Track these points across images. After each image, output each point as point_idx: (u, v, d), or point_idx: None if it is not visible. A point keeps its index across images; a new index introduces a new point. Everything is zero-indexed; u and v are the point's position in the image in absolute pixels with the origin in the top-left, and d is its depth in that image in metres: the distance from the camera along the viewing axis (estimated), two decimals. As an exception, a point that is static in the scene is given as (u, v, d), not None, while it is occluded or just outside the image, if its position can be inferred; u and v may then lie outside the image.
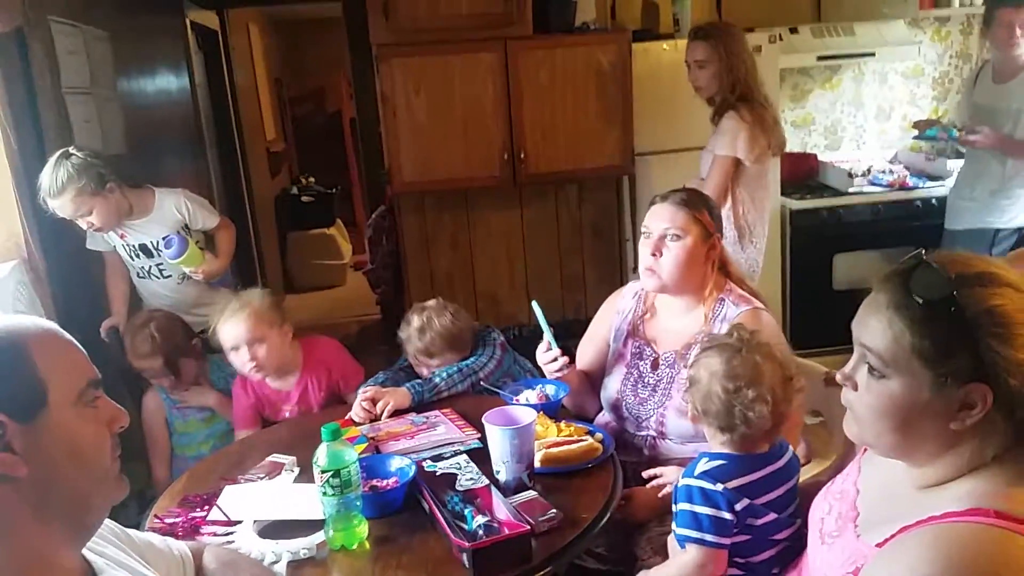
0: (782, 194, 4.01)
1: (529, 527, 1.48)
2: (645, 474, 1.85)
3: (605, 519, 1.61)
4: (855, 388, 1.10)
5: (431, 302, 2.40)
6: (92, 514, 1.04)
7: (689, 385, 1.56)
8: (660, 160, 3.77)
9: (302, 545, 1.54)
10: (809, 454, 2.11)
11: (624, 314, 2.14)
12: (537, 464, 1.74)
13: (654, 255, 1.95)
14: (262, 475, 1.87)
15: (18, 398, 0.95)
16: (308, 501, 1.66)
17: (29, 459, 0.95)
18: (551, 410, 1.99)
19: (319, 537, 1.55)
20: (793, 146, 4.53)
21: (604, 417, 2.12)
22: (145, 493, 2.40)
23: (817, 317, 3.88)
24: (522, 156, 3.68)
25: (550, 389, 2.08)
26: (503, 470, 1.69)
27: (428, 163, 3.68)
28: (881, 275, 1.08)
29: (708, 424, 1.52)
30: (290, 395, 2.44)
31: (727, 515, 1.41)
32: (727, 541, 1.43)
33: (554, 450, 1.77)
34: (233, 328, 2.30)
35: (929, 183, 4.09)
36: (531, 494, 1.63)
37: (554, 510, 1.56)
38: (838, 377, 1.13)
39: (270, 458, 1.94)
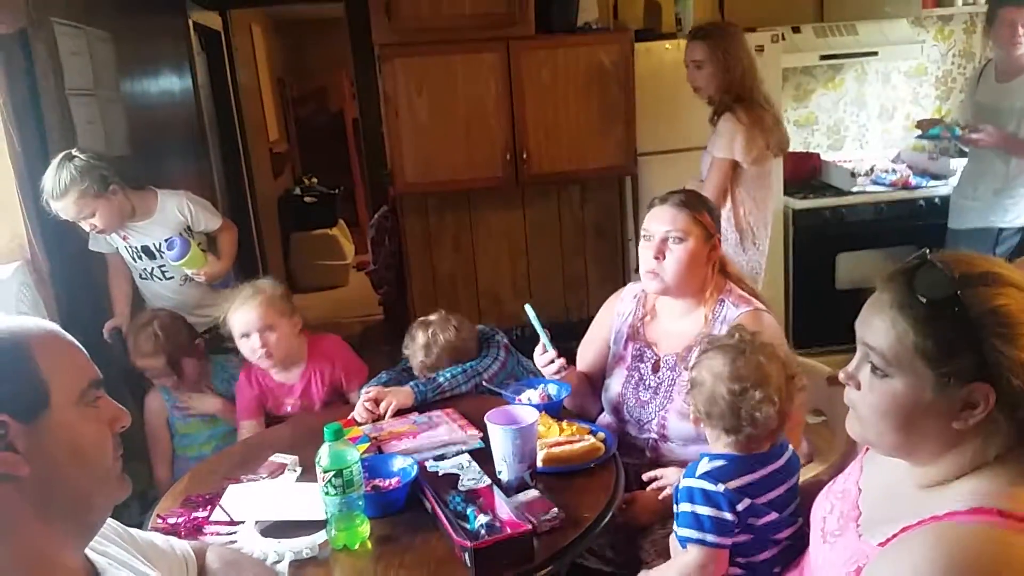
0: (785, 194, 4.01)
1: (531, 527, 1.48)
2: (645, 476, 1.85)
3: (607, 519, 1.61)
4: (858, 387, 1.11)
5: (434, 316, 2.38)
6: (94, 513, 1.04)
7: (691, 388, 1.55)
8: (662, 160, 3.77)
9: (304, 545, 1.54)
10: (811, 453, 2.11)
11: (624, 316, 2.13)
12: (539, 464, 1.74)
13: (656, 258, 1.94)
14: (264, 475, 1.87)
15: (20, 398, 0.96)
16: (310, 501, 1.66)
17: (31, 459, 0.95)
18: (553, 410, 1.99)
19: (321, 537, 1.56)
20: (796, 146, 4.52)
21: (605, 419, 2.12)
22: (147, 493, 2.41)
23: (820, 317, 3.88)
24: (524, 156, 3.68)
25: (552, 389, 2.07)
26: (505, 470, 1.69)
27: (430, 163, 3.68)
28: (885, 274, 1.08)
29: (711, 426, 1.51)
30: (293, 388, 2.45)
31: (728, 515, 1.41)
32: (728, 541, 1.43)
33: (556, 450, 1.77)
34: (245, 315, 2.33)
35: (932, 182, 4.09)
36: (533, 494, 1.63)
37: (556, 509, 1.56)
38: (841, 376, 1.14)
39: (272, 458, 1.94)
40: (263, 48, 6.84)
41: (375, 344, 4.77)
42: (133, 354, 2.51)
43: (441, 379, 2.21)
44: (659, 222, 1.96)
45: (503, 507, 1.55)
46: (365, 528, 1.56)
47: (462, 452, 1.87)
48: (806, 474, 1.85)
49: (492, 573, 1.42)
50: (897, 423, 1.06)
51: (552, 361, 2.05)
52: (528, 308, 2.09)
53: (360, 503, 1.56)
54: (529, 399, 2.03)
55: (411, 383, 2.20)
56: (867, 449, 1.24)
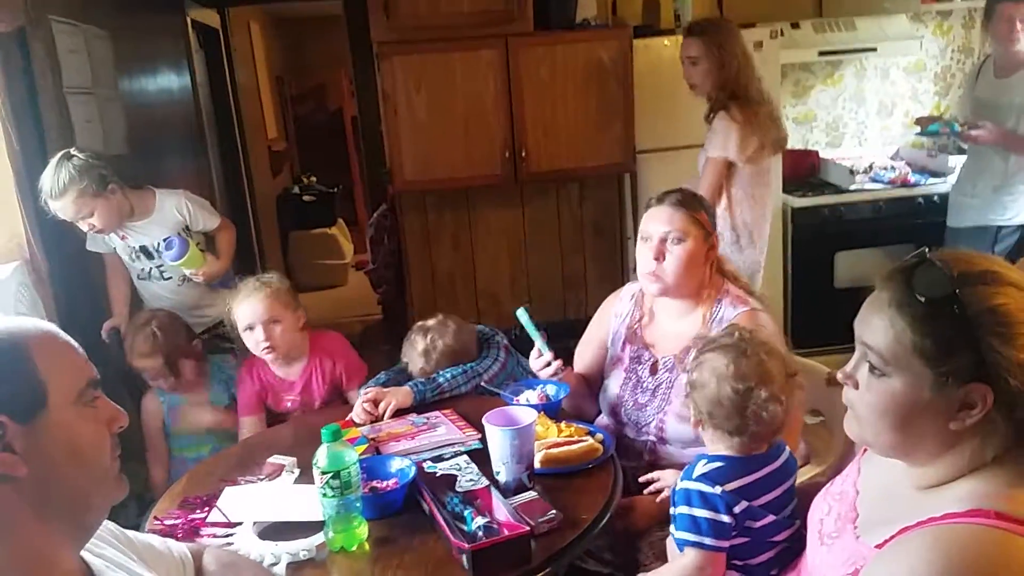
0: (783, 191, 4.00)
1: (529, 528, 1.48)
2: (642, 478, 1.84)
3: (605, 520, 1.61)
4: (856, 386, 1.10)
5: (432, 321, 2.37)
6: (92, 514, 1.04)
7: (691, 390, 1.53)
8: (662, 157, 3.76)
9: (302, 547, 1.54)
10: (808, 455, 2.11)
11: (621, 317, 2.13)
12: (537, 465, 1.74)
13: (656, 259, 1.93)
14: (262, 476, 1.87)
15: (18, 398, 0.96)
16: (308, 502, 1.66)
17: (29, 459, 0.95)
18: (551, 411, 1.99)
19: (319, 538, 1.55)
20: (794, 143, 4.51)
21: (603, 420, 2.12)
22: (145, 495, 2.40)
23: (818, 315, 3.87)
24: (523, 154, 3.68)
25: (551, 389, 2.07)
26: (503, 471, 1.69)
27: (429, 161, 3.68)
28: (884, 273, 1.08)
29: (714, 428, 1.49)
30: (294, 385, 2.46)
31: (726, 518, 1.41)
32: (726, 544, 1.42)
33: (554, 451, 1.77)
34: (250, 307, 2.34)
35: (931, 180, 4.07)
36: (531, 495, 1.63)
37: (554, 511, 1.56)
38: (839, 375, 1.13)
39: (270, 459, 1.94)
40: (261, 46, 6.83)
41: (374, 343, 4.76)
42: (130, 354, 2.51)
43: (441, 379, 2.21)
44: (657, 223, 1.95)
45: (501, 508, 1.55)
46: (363, 530, 1.56)
47: (460, 453, 1.87)
48: (804, 475, 1.85)
49: (490, 575, 1.42)
50: (895, 423, 1.06)
51: (548, 364, 2.05)
52: (521, 313, 2.08)
53: (358, 504, 1.56)
54: (527, 400, 2.03)
55: (410, 383, 2.20)
56: (865, 450, 1.24)
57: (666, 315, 2.05)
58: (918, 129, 3.75)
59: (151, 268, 2.80)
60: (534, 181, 3.86)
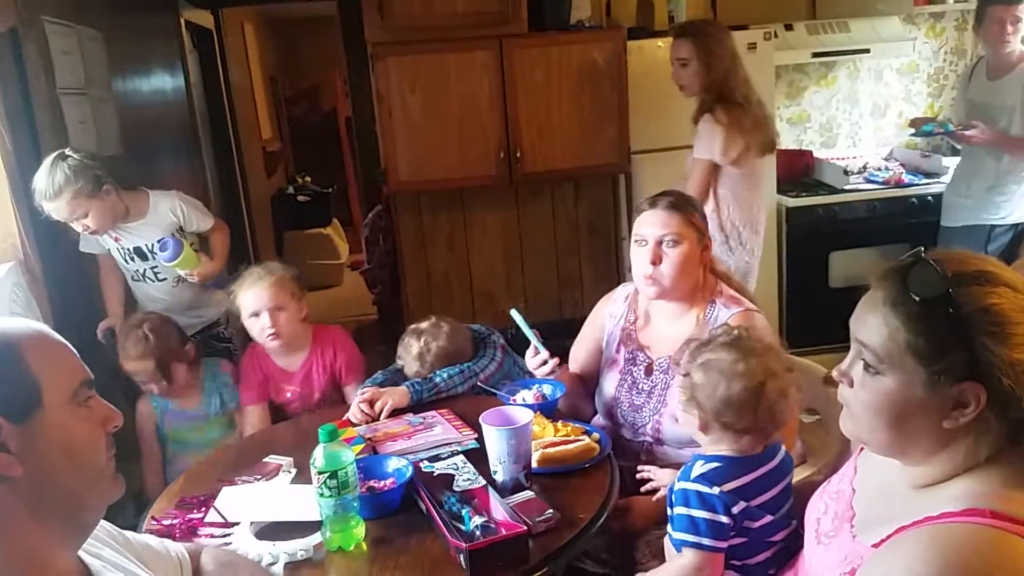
0: (778, 192, 4.02)
1: (526, 527, 1.48)
2: (638, 476, 1.84)
3: (602, 519, 1.61)
4: (851, 384, 1.11)
5: (425, 323, 2.37)
6: (88, 513, 1.05)
7: (694, 392, 1.49)
8: (656, 158, 3.77)
9: (299, 547, 1.54)
10: (805, 454, 2.11)
11: (616, 319, 2.13)
12: (534, 464, 1.74)
13: (653, 263, 1.92)
14: (259, 476, 1.87)
15: (12, 398, 0.96)
16: (305, 502, 1.66)
17: (24, 459, 0.95)
18: (548, 410, 1.99)
19: (316, 538, 1.55)
20: (788, 143, 4.54)
21: (599, 421, 2.12)
22: (141, 495, 2.40)
23: (813, 315, 3.88)
24: (518, 155, 3.68)
25: (547, 389, 2.07)
26: (500, 470, 1.69)
27: (424, 162, 3.68)
28: (879, 272, 1.08)
29: (723, 428, 1.47)
30: (294, 375, 2.48)
31: (724, 518, 1.41)
32: (724, 544, 1.42)
33: (551, 450, 1.77)
34: (257, 294, 2.37)
35: (925, 180, 4.09)
36: (528, 494, 1.63)
37: (551, 510, 1.56)
38: (834, 373, 1.14)
39: (267, 459, 1.94)
40: (255, 46, 6.82)
41: (370, 344, 4.75)
42: (121, 357, 2.47)
43: (437, 379, 2.21)
44: (652, 226, 1.95)
45: (498, 508, 1.55)
46: (360, 529, 1.56)
47: (457, 453, 1.87)
48: (800, 474, 1.85)
49: (487, 574, 1.42)
50: (889, 421, 1.06)
51: (545, 362, 2.05)
52: (514, 313, 2.08)
53: (355, 504, 1.56)
54: (524, 399, 2.03)
55: (407, 383, 2.20)
56: (861, 449, 1.24)
57: (661, 317, 2.06)
58: (912, 130, 3.78)
59: (145, 269, 2.79)
60: (529, 182, 3.86)
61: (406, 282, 4.02)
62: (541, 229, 4.08)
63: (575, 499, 1.65)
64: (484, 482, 1.67)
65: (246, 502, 1.73)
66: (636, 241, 1.98)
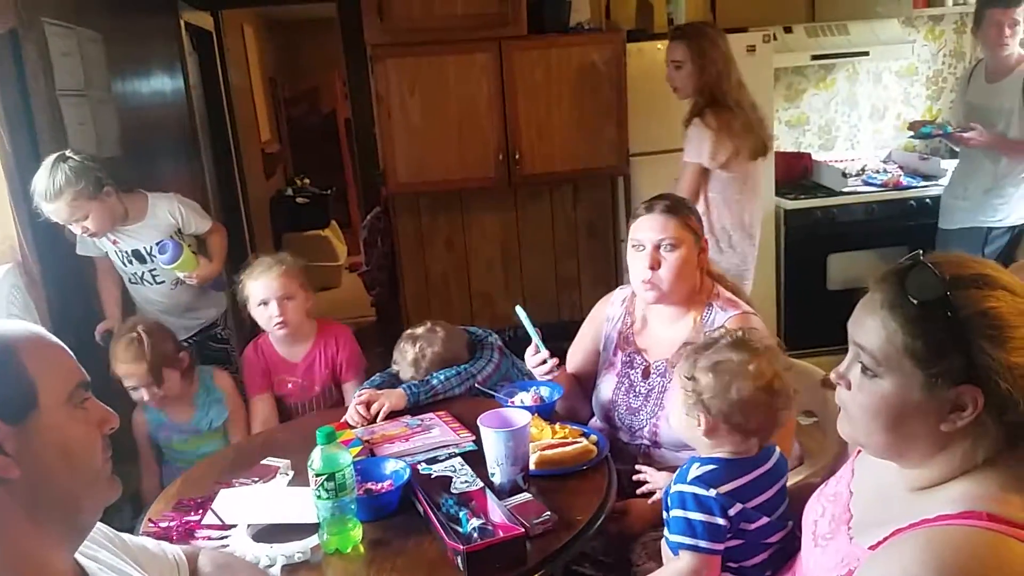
0: (776, 194, 4.02)
1: (524, 530, 1.48)
2: (635, 478, 1.84)
3: (600, 521, 1.61)
4: (848, 387, 1.11)
5: (421, 329, 2.37)
6: (84, 515, 1.04)
7: (701, 394, 1.46)
8: (655, 160, 3.77)
9: (296, 549, 1.54)
10: (802, 456, 2.11)
11: (613, 321, 2.13)
12: (532, 466, 1.74)
13: (652, 268, 1.92)
14: (256, 479, 1.87)
15: (8, 400, 0.96)
16: (302, 505, 1.65)
17: (21, 460, 0.95)
18: (545, 412, 1.99)
19: (313, 541, 1.56)
20: (787, 146, 4.54)
21: (596, 424, 2.12)
22: (138, 497, 2.39)
23: (811, 317, 3.89)
24: (517, 157, 3.68)
25: (544, 391, 2.07)
26: (498, 472, 1.69)
27: (423, 164, 3.68)
28: (877, 275, 1.08)
29: (731, 430, 1.45)
30: (296, 367, 2.51)
31: (721, 521, 1.40)
32: (721, 547, 1.41)
33: (549, 452, 1.77)
34: (266, 283, 2.41)
35: (923, 183, 4.10)
36: (526, 496, 1.63)
37: (549, 512, 1.56)
38: (832, 375, 1.14)
39: (264, 461, 1.94)
40: (255, 48, 6.82)
41: (368, 345, 4.70)
42: (114, 362, 2.36)
43: (435, 381, 2.21)
44: (650, 231, 1.94)
45: (496, 510, 1.55)
46: (357, 532, 1.56)
47: (455, 455, 1.87)
48: (797, 476, 1.85)
49: (485, 576, 1.42)
50: (886, 423, 1.06)
51: (544, 361, 2.05)
52: (519, 310, 2.08)
53: (352, 507, 1.56)
54: (521, 401, 2.03)
55: (404, 385, 2.20)
56: (859, 452, 1.24)
57: (658, 320, 2.06)
58: (911, 132, 3.78)
59: (143, 272, 2.78)
60: (528, 183, 3.86)
61: (404, 284, 4.02)
62: (540, 231, 4.08)
63: (573, 501, 1.65)
64: (482, 484, 1.68)
65: (243, 504, 1.73)
66: (633, 246, 1.98)
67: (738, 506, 1.42)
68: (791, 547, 1.40)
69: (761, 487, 1.46)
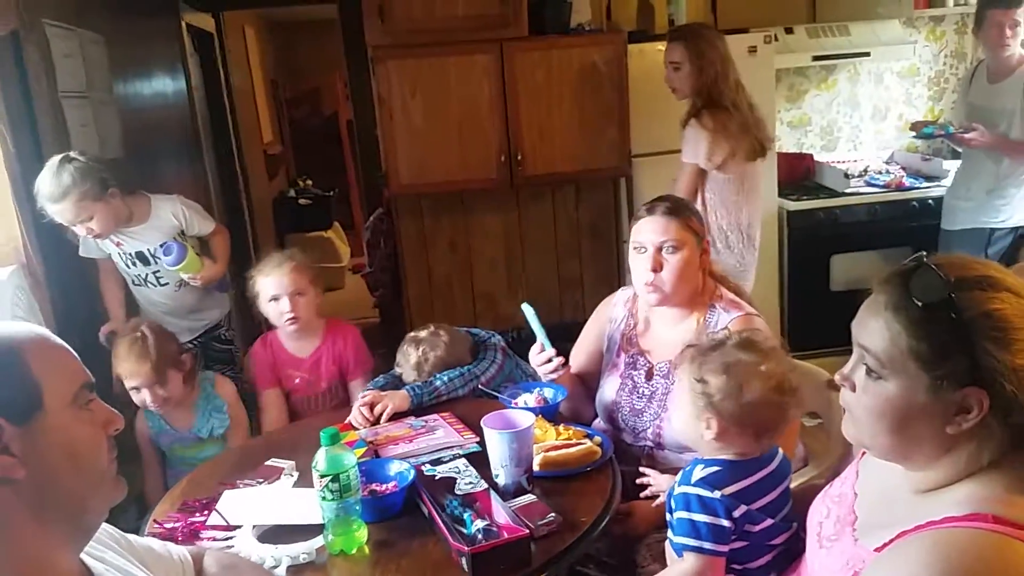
0: (779, 195, 4.02)
1: (528, 531, 1.49)
2: (638, 481, 1.84)
3: (604, 523, 1.61)
4: (853, 389, 1.11)
5: (424, 332, 2.37)
6: (90, 515, 1.05)
7: (712, 396, 1.44)
8: (656, 161, 3.77)
9: (301, 550, 1.54)
10: (806, 457, 2.11)
11: (616, 323, 2.13)
12: (536, 468, 1.74)
13: (654, 270, 1.92)
14: (261, 480, 1.87)
15: (14, 401, 0.96)
16: (307, 506, 1.66)
17: (27, 461, 0.96)
18: (549, 413, 1.99)
19: (318, 542, 1.56)
20: (789, 147, 4.54)
21: (600, 425, 2.12)
22: (143, 498, 2.39)
23: (814, 318, 3.88)
24: (519, 158, 3.68)
25: (548, 392, 2.07)
26: (502, 474, 1.69)
27: (425, 165, 3.68)
28: (881, 277, 1.08)
29: (740, 431, 1.44)
30: (303, 362, 2.56)
31: (725, 522, 1.40)
32: (725, 548, 1.41)
33: (553, 454, 1.77)
34: (277, 279, 2.46)
35: (926, 183, 4.10)
36: (530, 498, 1.63)
37: (553, 514, 1.56)
38: (836, 378, 1.14)
39: (269, 463, 1.94)
40: (256, 50, 6.82)
41: (371, 347, 4.69)
42: (116, 362, 2.33)
43: (438, 383, 2.21)
44: (651, 233, 1.94)
45: (500, 511, 1.56)
46: (362, 533, 1.56)
47: (459, 456, 1.87)
48: (801, 478, 1.85)
49: (489, 577, 1.42)
50: (891, 425, 1.06)
51: (549, 360, 2.04)
52: (526, 307, 2.08)
53: (357, 508, 1.56)
54: (525, 403, 2.03)
55: (407, 387, 2.21)
56: (863, 453, 1.24)
57: (661, 322, 2.05)
58: (912, 133, 3.78)
59: (147, 274, 2.79)
60: (530, 185, 3.86)
61: (407, 285, 4.02)
62: (542, 232, 4.08)
63: (577, 502, 1.65)
64: (486, 485, 1.68)
65: (248, 505, 1.73)
66: (635, 248, 1.97)
67: (742, 508, 1.41)
68: (795, 549, 1.40)
69: (765, 489, 1.46)
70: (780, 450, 1.54)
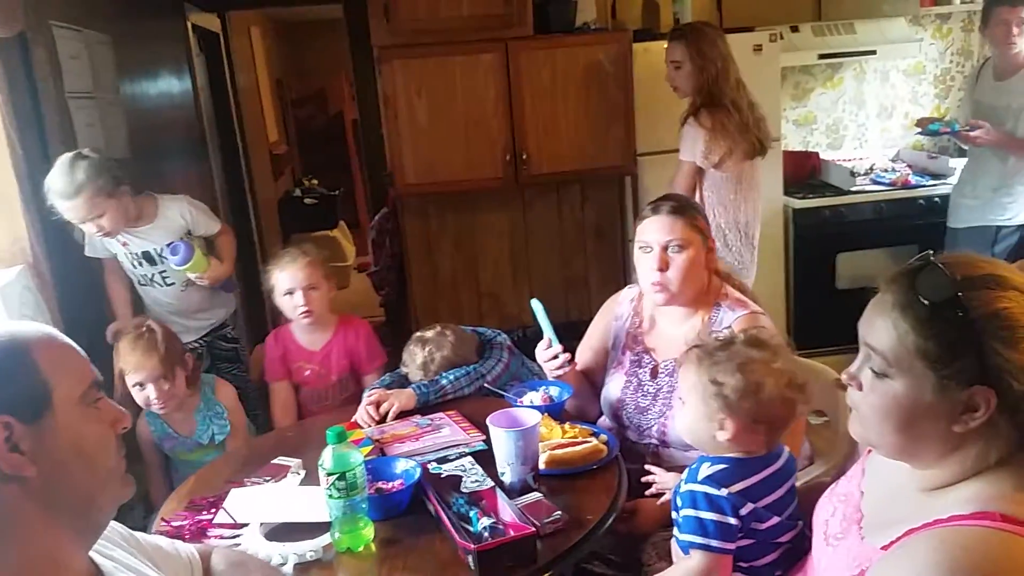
0: (784, 193, 4.02)
1: (534, 529, 1.49)
2: (644, 479, 1.84)
3: (610, 521, 1.61)
4: (859, 388, 1.11)
5: (430, 332, 2.37)
6: (99, 513, 1.05)
7: (729, 396, 1.42)
8: (662, 160, 3.76)
9: (308, 548, 1.54)
10: (813, 455, 2.11)
11: (622, 320, 2.13)
12: (542, 466, 1.74)
13: (661, 269, 1.91)
14: (268, 478, 1.87)
15: (23, 399, 0.97)
16: (314, 504, 1.66)
17: (36, 459, 0.96)
18: (555, 412, 1.99)
19: (325, 539, 1.56)
20: (795, 145, 4.54)
21: (605, 423, 2.12)
22: (150, 497, 2.39)
23: (820, 316, 3.88)
24: (524, 157, 3.68)
25: (554, 391, 2.07)
26: (508, 472, 1.70)
27: (430, 165, 3.68)
28: (888, 276, 1.08)
29: (753, 429, 1.43)
30: (315, 354, 2.60)
31: (732, 520, 1.40)
32: (732, 546, 1.41)
33: (559, 452, 1.77)
34: (292, 273, 2.50)
35: (932, 181, 4.09)
36: (536, 496, 1.63)
37: (559, 512, 1.56)
38: (843, 377, 1.14)
39: (276, 461, 1.94)
40: (262, 50, 6.83)
41: (376, 345, 4.76)
42: (120, 359, 2.30)
43: (444, 381, 2.22)
44: (657, 232, 1.94)
45: (506, 509, 1.56)
46: (369, 531, 1.57)
47: (465, 454, 1.88)
48: (807, 476, 1.85)
49: (496, 575, 1.42)
50: (898, 425, 1.06)
51: (556, 356, 2.04)
52: (535, 303, 2.08)
53: (363, 506, 1.57)
54: (531, 401, 2.03)
55: (413, 385, 2.21)
56: (869, 451, 1.24)
57: (666, 320, 2.05)
58: (918, 130, 3.77)
59: (153, 274, 2.79)
60: (535, 184, 3.87)
61: (413, 284, 4.03)
62: (547, 231, 4.08)
63: (583, 500, 1.66)
64: (492, 483, 1.68)
65: (255, 503, 1.74)
66: (641, 248, 1.97)
67: (749, 505, 1.41)
68: (801, 547, 1.39)
69: (771, 486, 1.45)
70: (786, 448, 1.54)
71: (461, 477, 1.74)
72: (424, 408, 2.16)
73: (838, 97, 4.58)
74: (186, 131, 4.34)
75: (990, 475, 1.02)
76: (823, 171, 4.34)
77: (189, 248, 2.67)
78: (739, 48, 3.20)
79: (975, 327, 0.99)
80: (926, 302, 1.01)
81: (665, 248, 1.92)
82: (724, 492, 1.41)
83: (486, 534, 1.48)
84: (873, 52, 4.21)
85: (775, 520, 1.44)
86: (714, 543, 1.40)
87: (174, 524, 1.69)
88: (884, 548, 1.06)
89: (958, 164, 3.87)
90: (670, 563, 1.53)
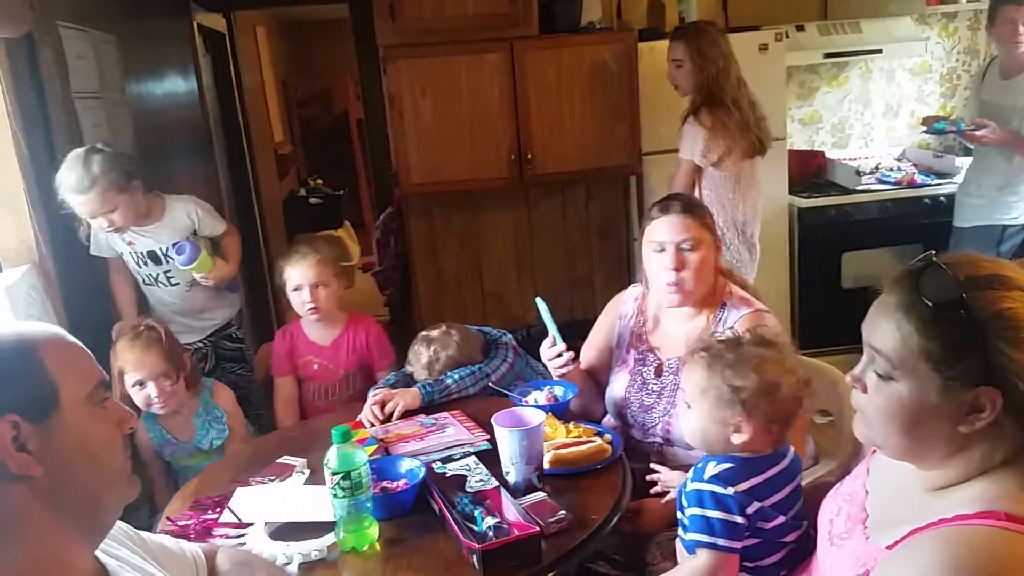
0: (790, 192, 4.01)
1: (539, 528, 1.49)
2: (648, 478, 1.84)
3: (615, 520, 1.61)
4: (864, 390, 1.10)
5: (436, 332, 2.38)
6: (105, 513, 1.06)
7: (750, 397, 1.42)
8: (667, 159, 3.74)
9: (313, 547, 1.54)
10: (817, 454, 2.11)
11: (626, 319, 2.13)
12: (546, 465, 1.74)
13: (677, 269, 1.90)
14: (273, 477, 1.88)
15: (31, 399, 0.97)
16: (319, 503, 1.67)
17: (44, 458, 0.97)
18: (559, 411, 2.00)
19: (330, 539, 1.56)
20: (800, 144, 4.53)
21: (610, 421, 2.12)
22: (154, 497, 2.39)
23: (826, 316, 3.87)
24: (529, 156, 3.68)
25: (558, 390, 2.08)
26: (512, 471, 1.70)
27: (436, 164, 3.68)
28: (891, 277, 1.08)
29: (765, 428, 1.43)
30: (323, 349, 2.61)
31: (739, 519, 1.39)
32: (739, 545, 1.40)
33: (563, 451, 1.77)
34: (302, 270, 2.52)
35: (937, 180, 4.07)
36: (540, 495, 1.64)
37: (563, 511, 1.56)
38: (848, 379, 1.14)
39: (281, 460, 1.95)
40: (267, 50, 6.84)
41: (381, 345, 4.76)
42: (119, 358, 2.26)
43: (449, 381, 2.22)
44: (670, 231, 1.93)
45: (511, 509, 1.56)
46: (373, 530, 1.57)
47: (469, 454, 1.88)
48: (812, 475, 1.85)
49: (500, 575, 1.43)
50: (903, 426, 1.06)
51: (560, 355, 2.04)
52: (539, 302, 2.08)
53: (368, 505, 1.57)
54: (535, 401, 2.03)
55: (418, 385, 2.21)
56: (874, 451, 1.24)
57: (671, 319, 2.05)
58: (924, 129, 3.76)
59: (158, 274, 2.79)
60: (540, 183, 3.86)
61: (417, 284, 4.03)
62: (552, 231, 4.07)
63: (587, 500, 1.66)
64: (496, 483, 1.68)
65: (260, 503, 1.74)
66: (653, 248, 1.96)
67: (755, 504, 1.41)
68: (806, 546, 1.39)
69: (777, 485, 1.45)
70: (791, 447, 1.54)
71: (465, 477, 1.74)
72: (429, 407, 2.17)
73: (844, 96, 4.57)
74: (192, 131, 4.35)
75: (995, 475, 1.02)
76: (828, 170, 4.33)
77: (195, 248, 2.68)
78: (745, 47, 3.19)
79: (980, 328, 0.98)
80: (930, 303, 1.01)
81: (679, 248, 1.92)
82: (731, 491, 1.41)
83: (490, 533, 1.48)
84: (879, 51, 4.20)
85: (781, 519, 1.43)
86: (721, 542, 1.39)
87: (179, 523, 1.70)
88: (889, 548, 1.05)
89: (964, 163, 3.86)
90: (675, 563, 1.53)
